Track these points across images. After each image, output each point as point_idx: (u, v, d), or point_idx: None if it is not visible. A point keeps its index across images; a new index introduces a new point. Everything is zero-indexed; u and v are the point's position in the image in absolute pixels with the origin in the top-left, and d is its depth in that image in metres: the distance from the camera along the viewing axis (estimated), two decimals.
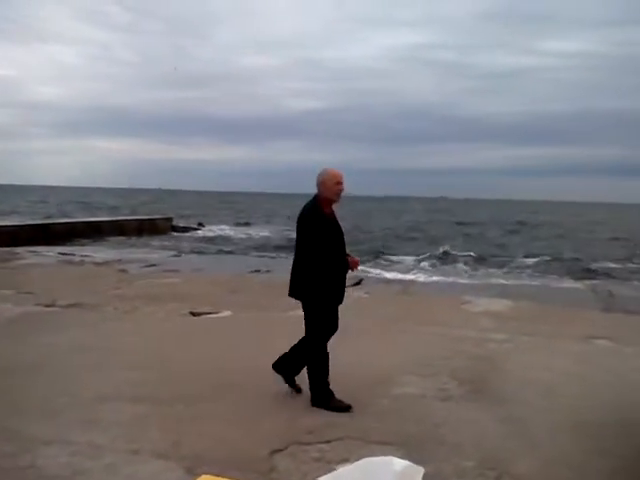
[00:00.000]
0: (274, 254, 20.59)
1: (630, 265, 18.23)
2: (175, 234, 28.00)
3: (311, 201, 3.83)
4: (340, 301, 3.85)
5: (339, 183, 3.77)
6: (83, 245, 19.16)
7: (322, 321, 3.76)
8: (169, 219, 32.13)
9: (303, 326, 3.86)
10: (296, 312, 6.82)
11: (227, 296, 8.06)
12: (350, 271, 3.91)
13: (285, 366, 3.99)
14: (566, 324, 6.72)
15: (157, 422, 3.45)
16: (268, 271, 13.26)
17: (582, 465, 2.99)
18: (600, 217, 57.92)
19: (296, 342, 3.96)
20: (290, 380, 3.99)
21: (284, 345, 5.34)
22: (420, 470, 1.47)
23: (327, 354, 3.81)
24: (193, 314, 6.72)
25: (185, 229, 31.21)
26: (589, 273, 16.85)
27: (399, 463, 1.48)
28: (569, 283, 14.24)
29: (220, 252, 20.62)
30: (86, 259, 13.80)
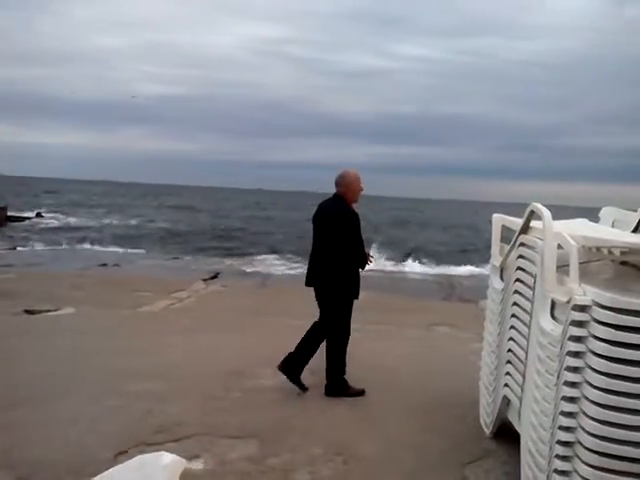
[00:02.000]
0: (125, 247, 19.58)
1: (467, 259, 20.00)
2: (10, 225, 25.51)
3: (337, 200, 4.08)
4: (358, 295, 4.24)
5: (360, 184, 4.06)
6: None
7: (346, 311, 4.20)
8: (3, 208, 29.13)
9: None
10: (145, 308, 6.58)
11: (70, 292, 7.48)
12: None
13: (291, 365, 4.02)
14: (410, 313, 7.17)
15: None
16: (117, 265, 12.55)
17: (421, 444, 3.20)
18: (448, 214, 62.75)
19: (301, 340, 4.15)
20: (296, 379, 4.03)
21: (133, 341, 5.10)
22: (183, 462, 1.52)
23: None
24: (29, 312, 6.13)
25: (22, 219, 28.59)
26: (431, 265, 18.21)
27: (167, 457, 1.51)
28: (416, 275, 15.29)
29: (62, 244, 19.12)
30: None
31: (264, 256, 19.00)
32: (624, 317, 2.05)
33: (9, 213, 28.81)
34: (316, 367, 4.50)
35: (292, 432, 3.28)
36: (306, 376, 4.29)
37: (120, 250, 18.43)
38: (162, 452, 1.48)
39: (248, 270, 14.04)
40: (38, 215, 31.87)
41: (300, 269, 15.51)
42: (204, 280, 9.29)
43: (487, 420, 3.33)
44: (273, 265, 16.32)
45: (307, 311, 6.84)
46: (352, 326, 6.06)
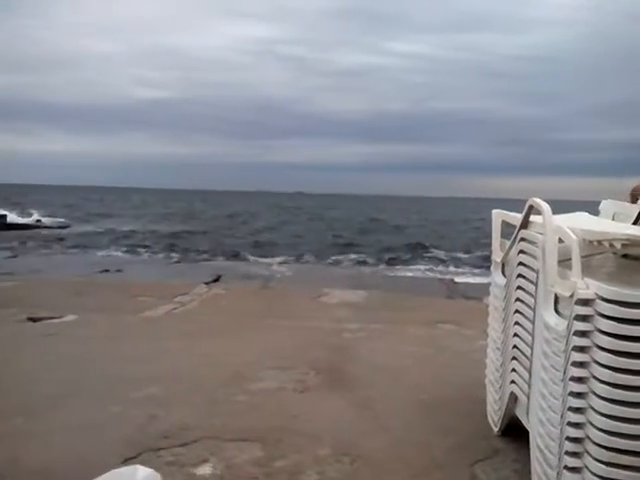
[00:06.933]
0: (127, 252, 19.61)
1: (468, 255, 20.00)
2: (10, 233, 25.53)
3: None
4: None
5: None
6: None
7: None
8: (2, 216, 29.23)
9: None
10: (147, 314, 6.56)
11: (72, 299, 7.46)
12: None
13: None
14: (414, 311, 7.15)
15: None
16: (119, 270, 12.53)
17: (429, 443, 3.19)
18: (448, 211, 62.71)
19: None
20: None
21: (136, 346, 5.10)
22: (158, 477, 1.51)
23: None
24: (32, 319, 6.12)
25: (22, 227, 28.64)
26: (435, 262, 18.23)
27: (143, 471, 1.49)
28: (417, 272, 15.28)
29: (64, 251, 19.14)
30: None
31: (267, 259, 19.00)
32: (628, 310, 2.04)
33: (8, 220, 28.88)
34: (322, 368, 4.49)
35: (297, 434, 3.27)
36: (311, 376, 4.29)
37: (122, 255, 18.44)
38: (137, 466, 1.47)
39: (250, 272, 14.02)
40: (39, 222, 31.94)
41: (299, 270, 15.52)
42: (206, 283, 9.25)
43: (495, 417, 3.32)
44: (274, 267, 16.32)
45: (307, 312, 6.86)
46: (356, 326, 6.10)
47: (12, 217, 30.10)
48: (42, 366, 4.46)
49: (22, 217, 32.64)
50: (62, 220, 33.82)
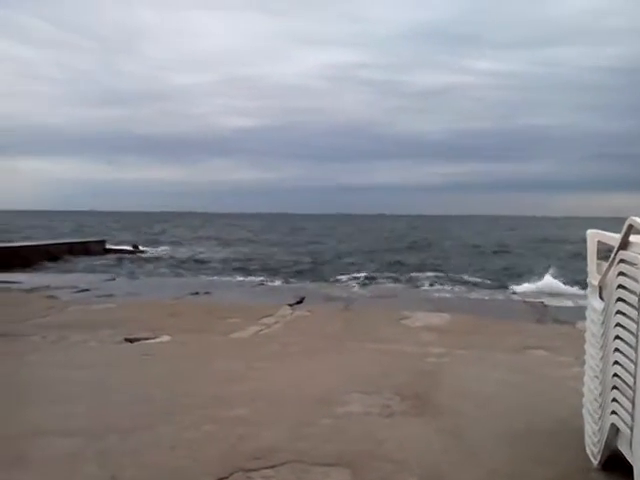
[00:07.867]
0: (214, 275, 20.32)
1: (560, 279, 19.06)
2: (109, 257, 27.21)
3: None
4: None
5: None
6: (8, 271, 18.17)
7: None
8: (102, 242, 31.23)
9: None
10: (236, 335, 6.76)
11: (165, 320, 7.82)
12: None
13: None
14: (502, 336, 6.91)
15: (91, 456, 3.27)
16: (207, 293, 12.98)
17: (523, 474, 3.05)
18: (534, 231, 60.34)
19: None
20: None
21: (225, 367, 5.25)
22: None
23: None
24: (129, 340, 6.47)
25: (120, 252, 30.44)
26: (520, 285, 17.52)
27: None
28: (504, 296, 14.73)
29: (157, 274, 20.12)
30: (12, 286, 13.06)
31: (348, 280, 19.04)
32: None
33: (107, 246, 30.78)
34: (407, 393, 4.43)
35: (384, 460, 3.23)
36: (397, 401, 4.23)
37: (210, 277, 19.13)
38: None
39: (331, 294, 14.08)
40: (135, 247, 33.82)
41: (380, 291, 15.39)
42: (290, 305, 9.41)
43: (594, 450, 3.13)
44: (355, 288, 16.31)
45: (390, 335, 6.79)
46: (441, 350, 5.96)
47: (111, 243, 32.21)
48: (137, 385, 4.69)
49: (120, 243, 34.80)
50: (156, 246, 35.70)
